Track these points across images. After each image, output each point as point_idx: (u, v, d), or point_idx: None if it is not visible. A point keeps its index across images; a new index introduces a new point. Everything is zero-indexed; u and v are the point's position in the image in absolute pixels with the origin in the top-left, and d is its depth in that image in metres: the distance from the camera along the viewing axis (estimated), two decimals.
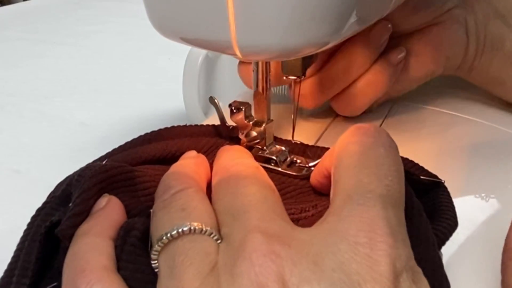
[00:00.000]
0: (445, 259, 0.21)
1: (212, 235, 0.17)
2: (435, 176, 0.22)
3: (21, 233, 0.20)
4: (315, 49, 0.21)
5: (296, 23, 0.19)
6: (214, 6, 0.19)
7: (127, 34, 0.74)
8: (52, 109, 0.50)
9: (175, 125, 0.28)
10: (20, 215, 0.21)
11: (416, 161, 0.24)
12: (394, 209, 0.17)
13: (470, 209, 0.26)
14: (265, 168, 0.23)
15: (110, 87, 0.55)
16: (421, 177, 0.22)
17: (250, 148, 0.26)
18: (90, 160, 0.25)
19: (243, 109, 0.26)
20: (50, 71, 0.61)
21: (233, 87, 0.40)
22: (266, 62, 0.26)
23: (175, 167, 0.22)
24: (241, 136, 0.26)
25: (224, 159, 0.22)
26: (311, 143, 0.30)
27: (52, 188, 0.22)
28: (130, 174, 0.21)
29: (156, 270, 0.17)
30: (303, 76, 0.28)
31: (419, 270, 0.16)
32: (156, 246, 0.17)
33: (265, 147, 0.26)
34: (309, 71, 0.30)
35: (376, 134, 0.19)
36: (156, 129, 0.27)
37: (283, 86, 0.37)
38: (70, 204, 0.19)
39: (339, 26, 0.20)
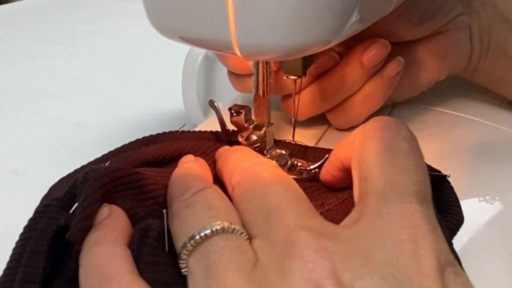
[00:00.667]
0: None
1: (243, 234, 0.17)
2: (439, 171, 0.22)
3: (18, 234, 0.20)
4: (318, 48, 0.21)
5: (299, 21, 0.19)
6: (213, 4, 0.19)
7: (125, 34, 0.74)
8: (50, 109, 0.49)
9: (174, 125, 0.28)
10: (18, 216, 0.21)
11: None
12: (428, 204, 0.17)
13: (473, 210, 0.26)
14: None
15: (108, 87, 0.55)
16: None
17: None
18: (88, 161, 0.25)
19: (243, 113, 0.26)
20: (47, 71, 0.61)
21: (232, 87, 0.40)
22: (267, 64, 0.25)
23: (181, 170, 0.21)
24: (241, 140, 0.26)
25: (238, 160, 0.22)
26: (311, 144, 0.30)
27: None
28: (135, 176, 0.21)
29: (183, 271, 0.17)
30: (303, 76, 0.27)
31: (458, 264, 0.16)
32: (189, 245, 0.17)
33: (265, 151, 0.26)
34: (304, 82, 0.30)
35: (397, 127, 0.19)
36: (154, 129, 0.27)
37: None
38: (76, 206, 0.19)
39: (341, 24, 0.20)
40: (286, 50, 0.20)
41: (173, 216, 0.19)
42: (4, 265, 0.19)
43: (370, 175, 0.18)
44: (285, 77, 0.28)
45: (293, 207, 0.17)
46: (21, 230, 0.20)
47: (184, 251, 0.17)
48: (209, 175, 0.22)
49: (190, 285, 0.16)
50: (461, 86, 0.38)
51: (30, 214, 0.20)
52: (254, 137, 0.26)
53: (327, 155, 0.26)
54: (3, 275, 0.19)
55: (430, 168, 0.22)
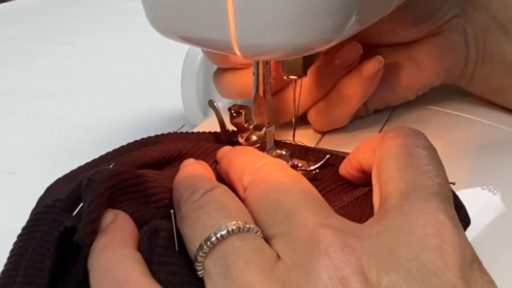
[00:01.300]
0: None
1: (258, 233, 0.17)
2: None
3: (15, 236, 0.20)
4: (319, 47, 0.21)
5: (300, 20, 0.19)
6: (213, 2, 0.19)
7: (124, 33, 0.73)
8: (47, 109, 0.49)
9: (173, 125, 0.28)
10: (15, 217, 0.21)
11: None
12: (450, 205, 0.17)
13: (475, 210, 0.25)
14: None
15: (106, 87, 0.55)
16: None
17: None
18: (85, 162, 0.25)
19: (243, 113, 0.25)
20: (45, 71, 0.60)
21: None
22: (267, 64, 0.25)
23: (185, 172, 0.21)
24: (241, 140, 0.26)
25: (247, 160, 0.21)
26: (312, 145, 0.30)
27: None
28: (139, 179, 0.21)
29: (199, 273, 0.17)
30: (304, 76, 0.27)
31: (481, 261, 0.16)
32: (205, 247, 0.17)
33: (265, 152, 0.26)
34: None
35: (416, 137, 0.20)
36: (153, 130, 0.27)
37: None
38: (82, 208, 0.19)
39: (342, 23, 0.20)
40: (287, 50, 0.20)
41: (183, 218, 0.18)
42: (0, 268, 0.19)
43: (392, 178, 0.18)
44: (285, 77, 0.27)
45: (311, 206, 0.17)
46: (17, 232, 0.20)
47: (201, 253, 0.17)
48: (213, 176, 0.22)
49: (209, 286, 0.16)
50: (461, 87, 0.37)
51: (27, 215, 0.20)
52: (254, 138, 0.26)
53: (327, 156, 0.26)
54: (1, 277, 0.18)
55: None
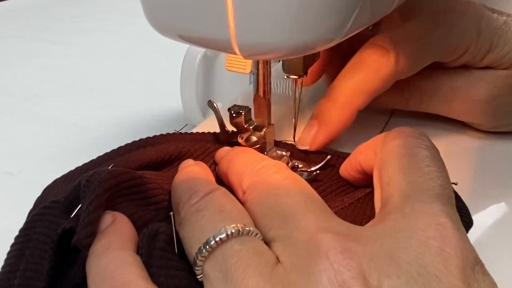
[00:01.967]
0: None
1: (258, 235, 0.17)
2: None
3: (12, 237, 0.19)
4: (320, 47, 0.21)
5: (301, 20, 0.18)
6: (213, 0, 0.19)
7: (123, 32, 0.73)
8: (45, 109, 0.49)
9: (172, 125, 0.28)
10: (13, 218, 0.20)
11: None
12: (452, 206, 0.17)
13: (477, 211, 0.25)
14: None
15: (105, 86, 0.55)
16: None
17: None
18: (83, 163, 0.24)
19: (243, 113, 0.25)
20: (43, 70, 0.60)
21: (232, 86, 0.39)
22: (267, 64, 0.25)
23: (184, 174, 0.21)
24: (241, 141, 0.26)
25: (246, 162, 0.21)
26: None
27: None
28: (138, 180, 0.20)
29: (199, 277, 0.17)
30: (304, 76, 0.27)
31: (483, 263, 0.16)
32: (204, 251, 0.16)
33: (265, 152, 0.26)
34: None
35: (418, 137, 0.20)
36: (152, 130, 0.27)
37: (284, 86, 0.37)
38: (80, 210, 0.18)
39: (344, 22, 0.20)
40: (288, 49, 0.20)
41: (182, 221, 0.18)
42: None
43: (393, 179, 0.18)
44: (285, 77, 0.27)
45: (310, 208, 0.17)
46: (15, 233, 0.19)
47: (200, 257, 0.16)
48: (212, 178, 0.22)
49: None
50: None
51: (24, 216, 0.20)
52: (254, 138, 0.26)
53: (328, 157, 0.25)
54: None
55: None
